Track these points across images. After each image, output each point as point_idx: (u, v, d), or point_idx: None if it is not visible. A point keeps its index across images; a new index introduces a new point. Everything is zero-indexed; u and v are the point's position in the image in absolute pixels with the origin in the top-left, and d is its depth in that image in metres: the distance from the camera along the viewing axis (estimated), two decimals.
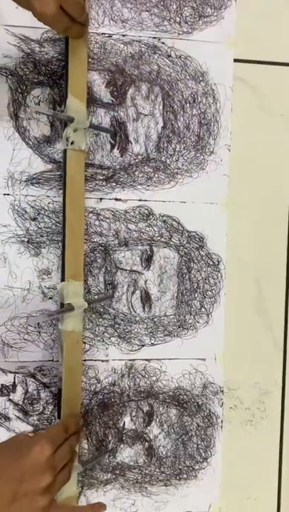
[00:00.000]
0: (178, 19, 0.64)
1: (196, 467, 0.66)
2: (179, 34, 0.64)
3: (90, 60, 0.62)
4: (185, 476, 0.66)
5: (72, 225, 0.58)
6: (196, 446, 0.66)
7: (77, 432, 0.56)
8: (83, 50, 0.58)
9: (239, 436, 0.67)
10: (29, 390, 0.63)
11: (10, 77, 0.61)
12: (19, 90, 0.62)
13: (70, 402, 0.58)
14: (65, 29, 0.53)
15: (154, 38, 0.64)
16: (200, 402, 0.66)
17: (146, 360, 0.64)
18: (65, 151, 0.58)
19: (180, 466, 0.66)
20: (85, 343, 0.63)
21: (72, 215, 0.58)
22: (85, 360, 0.63)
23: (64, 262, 0.58)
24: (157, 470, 0.66)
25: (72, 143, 0.57)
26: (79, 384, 0.59)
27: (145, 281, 0.64)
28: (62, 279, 0.58)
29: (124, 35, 0.63)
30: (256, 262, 0.67)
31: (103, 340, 0.64)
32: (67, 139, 0.57)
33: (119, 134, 0.63)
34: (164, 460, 0.66)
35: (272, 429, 0.68)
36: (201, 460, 0.66)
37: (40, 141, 0.62)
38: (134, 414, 0.65)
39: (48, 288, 0.63)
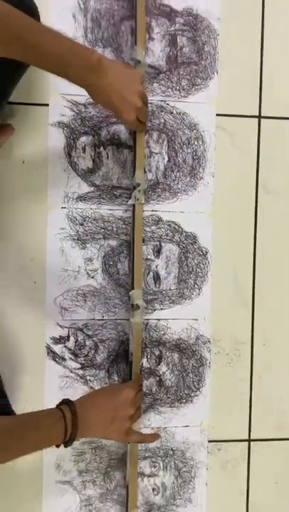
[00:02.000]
0: (178, 87, 0.94)
1: (192, 394, 0.96)
2: (178, 98, 0.94)
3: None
4: (184, 400, 0.96)
5: (138, 252, 0.88)
6: (191, 379, 0.96)
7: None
8: (143, 138, 0.88)
9: (222, 373, 0.97)
10: (78, 339, 0.93)
11: (65, 128, 0.91)
12: (71, 138, 0.92)
13: (136, 367, 0.87)
14: (136, 127, 0.83)
15: (162, 100, 0.94)
16: (194, 349, 0.96)
17: (157, 319, 0.94)
18: (134, 205, 0.88)
19: (181, 394, 0.96)
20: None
21: (138, 245, 0.88)
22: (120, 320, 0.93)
23: (133, 277, 0.88)
24: (165, 396, 0.95)
25: (137, 199, 0.87)
26: (139, 355, 0.88)
27: (156, 266, 0.94)
28: (132, 288, 0.88)
29: None
30: (233, 253, 0.97)
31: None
32: (135, 197, 0.87)
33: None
34: (169, 389, 0.95)
35: (245, 368, 0.98)
36: (195, 389, 0.96)
37: (86, 172, 0.92)
38: (148, 356, 0.94)
39: (91, 270, 0.93)
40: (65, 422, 0.70)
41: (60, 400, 0.76)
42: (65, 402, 0.74)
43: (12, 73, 0.79)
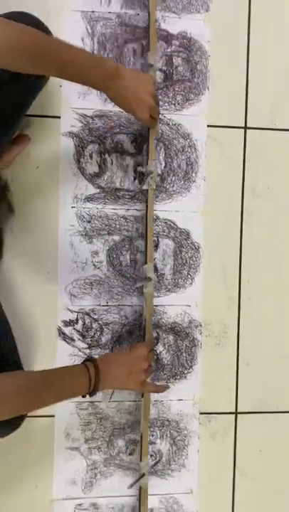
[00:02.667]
0: (173, 102, 1.07)
1: (185, 371, 1.09)
2: (174, 111, 1.07)
3: (121, 127, 1.06)
4: (178, 377, 1.09)
5: (151, 230, 1.00)
6: (185, 358, 1.09)
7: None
8: (155, 132, 1.00)
9: (211, 353, 1.10)
10: (86, 322, 1.06)
11: (75, 138, 1.05)
12: (80, 146, 1.05)
13: (149, 332, 1.00)
14: (149, 123, 0.97)
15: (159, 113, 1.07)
16: (187, 331, 1.09)
17: (154, 305, 1.07)
18: (147, 190, 1.01)
19: (175, 371, 1.09)
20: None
21: (150, 225, 1.01)
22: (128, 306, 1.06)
23: (146, 253, 1.01)
24: (162, 372, 1.08)
25: (150, 185, 1.00)
26: (151, 321, 1.01)
27: (154, 259, 1.07)
28: (145, 262, 1.01)
29: None
30: (222, 248, 1.10)
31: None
32: (148, 183, 1.00)
33: (139, 172, 1.06)
34: (165, 367, 1.08)
35: (232, 349, 1.11)
36: (188, 367, 1.09)
37: (92, 176, 1.05)
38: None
39: (97, 262, 1.06)
40: (90, 375, 0.84)
41: None
42: (89, 359, 0.88)
43: (32, 90, 0.92)
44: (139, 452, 1.05)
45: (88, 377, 0.84)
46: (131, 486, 1.04)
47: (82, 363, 0.88)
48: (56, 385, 0.81)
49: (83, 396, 0.85)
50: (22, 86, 0.88)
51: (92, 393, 0.85)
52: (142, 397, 1.01)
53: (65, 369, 0.89)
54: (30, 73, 0.80)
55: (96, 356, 0.93)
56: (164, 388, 1.00)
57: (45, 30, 0.88)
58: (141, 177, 1.06)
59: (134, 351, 0.95)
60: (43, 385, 0.79)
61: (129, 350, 0.96)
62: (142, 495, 1.03)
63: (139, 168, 1.03)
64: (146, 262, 1.02)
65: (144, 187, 1.02)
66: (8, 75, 0.83)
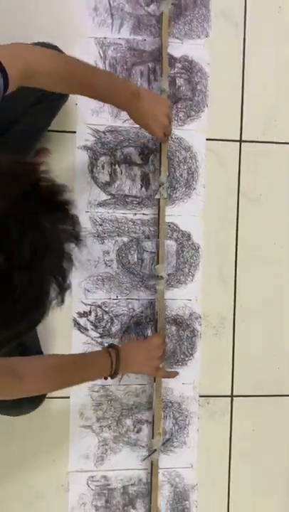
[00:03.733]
0: (176, 118, 1.20)
1: (186, 359, 1.22)
2: (176, 126, 1.20)
3: (130, 141, 1.19)
4: (180, 363, 1.22)
5: (163, 234, 1.14)
6: (186, 347, 1.22)
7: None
8: (166, 147, 1.14)
9: (210, 342, 1.23)
10: (98, 314, 1.19)
11: (88, 151, 1.18)
12: (93, 158, 1.18)
13: (162, 323, 1.13)
14: (162, 140, 1.09)
15: None
16: (188, 323, 1.22)
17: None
18: (158, 200, 1.14)
19: (177, 358, 1.22)
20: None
21: (162, 230, 1.14)
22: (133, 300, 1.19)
23: (158, 254, 1.14)
24: (165, 360, 1.21)
25: (162, 194, 1.13)
26: (164, 315, 1.14)
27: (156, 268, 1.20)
28: (158, 263, 1.14)
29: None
30: (219, 248, 1.23)
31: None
32: (160, 193, 1.13)
33: (145, 180, 1.19)
34: (168, 354, 1.21)
35: (228, 338, 1.24)
36: (189, 355, 1.22)
37: (104, 184, 1.18)
38: (152, 328, 1.20)
39: (108, 261, 1.19)
40: (112, 360, 0.98)
41: None
42: (111, 346, 1.02)
43: (53, 109, 1.05)
44: (145, 430, 1.19)
45: (111, 362, 0.98)
46: (144, 459, 1.17)
47: (105, 348, 1.01)
48: (83, 367, 0.96)
49: (105, 378, 0.99)
50: (46, 106, 1.01)
51: (113, 376, 0.99)
52: (154, 381, 1.14)
53: (91, 354, 1.04)
54: (62, 93, 0.93)
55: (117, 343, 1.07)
56: (174, 374, 1.14)
57: None
58: (147, 185, 1.19)
59: (151, 341, 1.09)
60: (71, 367, 0.93)
61: (145, 338, 1.10)
62: (153, 468, 1.17)
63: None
64: (158, 263, 1.15)
65: (157, 196, 1.15)
66: (35, 98, 0.97)
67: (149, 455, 1.17)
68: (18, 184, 0.48)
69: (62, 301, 0.52)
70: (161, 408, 1.16)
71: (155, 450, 1.15)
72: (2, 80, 0.70)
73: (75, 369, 0.94)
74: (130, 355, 1.02)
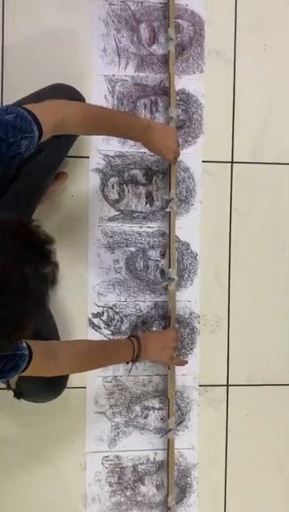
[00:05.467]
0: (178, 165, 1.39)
1: (187, 353, 1.40)
2: None
3: (135, 164, 1.37)
4: (182, 357, 1.39)
5: (173, 242, 1.31)
6: (186, 342, 1.40)
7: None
8: (175, 168, 1.32)
9: (207, 338, 1.41)
10: (109, 314, 1.37)
11: (100, 173, 1.36)
12: (104, 179, 1.36)
13: (173, 321, 1.31)
14: (172, 162, 1.28)
15: None
16: (188, 321, 1.40)
17: (162, 301, 1.38)
18: (169, 212, 1.32)
19: (179, 352, 1.39)
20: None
21: (172, 239, 1.31)
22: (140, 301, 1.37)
23: (170, 259, 1.31)
24: None
25: (172, 207, 1.31)
26: (175, 312, 1.32)
27: (162, 265, 1.38)
28: (169, 267, 1.32)
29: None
30: (215, 256, 1.41)
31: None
32: (170, 207, 1.31)
33: (150, 198, 1.38)
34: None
35: (223, 335, 1.41)
36: (189, 349, 1.40)
37: (114, 201, 1.37)
38: (157, 327, 1.38)
39: (117, 268, 1.37)
40: (134, 348, 1.16)
41: None
42: (133, 336, 1.21)
43: (70, 142, 1.23)
44: (152, 416, 1.37)
45: (133, 349, 1.16)
46: (162, 436, 1.36)
47: (128, 338, 1.21)
48: (109, 353, 1.15)
49: (127, 363, 1.19)
50: (65, 138, 1.19)
51: (134, 361, 1.18)
52: (169, 369, 1.33)
53: (116, 341, 1.26)
54: (85, 135, 1.13)
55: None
56: (185, 362, 1.33)
57: (82, 98, 1.20)
58: (151, 202, 1.38)
59: (167, 333, 1.28)
60: (99, 352, 1.12)
61: (162, 331, 1.31)
62: (169, 444, 1.34)
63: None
64: (170, 267, 1.33)
65: (167, 210, 1.33)
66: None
67: (166, 432, 1.35)
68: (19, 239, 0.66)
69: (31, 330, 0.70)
70: (174, 392, 1.34)
71: (171, 429, 1.33)
72: (38, 133, 0.88)
73: (102, 354, 1.14)
74: (149, 344, 1.21)
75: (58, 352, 1.04)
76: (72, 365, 1.09)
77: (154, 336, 1.28)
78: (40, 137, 0.89)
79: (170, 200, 1.32)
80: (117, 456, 1.38)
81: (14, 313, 0.65)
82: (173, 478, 1.35)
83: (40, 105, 0.93)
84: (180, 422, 1.39)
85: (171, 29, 1.34)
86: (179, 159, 1.36)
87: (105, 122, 1.10)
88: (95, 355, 1.13)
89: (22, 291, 0.65)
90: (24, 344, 0.90)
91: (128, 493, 1.38)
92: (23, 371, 0.90)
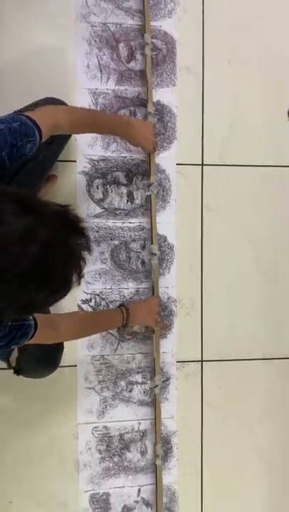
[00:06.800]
0: (157, 154, 1.57)
1: (166, 333, 1.58)
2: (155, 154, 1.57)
3: (117, 167, 1.55)
4: (162, 337, 1.58)
5: (154, 220, 1.51)
6: (164, 321, 1.58)
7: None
8: (154, 156, 1.50)
9: (183, 319, 1.59)
10: (96, 301, 1.54)
11: (86, 175, 1.54)
12: (90, 180, 1.54)
13: (156, 290, 1.50)
14: (151, 152, 1.47)
15: (144, 157, 1.56)
16: (166, 305, 1.58)
17: (144, 288, 1.56)
18: (149, 195, 1.51)
19: (160, 332, 1.58)
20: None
21: (154, 219, 1.51)
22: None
23: (152, 236, 1.50)
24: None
25: (152, 191, 1.50)
26: (158, 283, 1.51)
27: (142, 255, 1.57)
28: (152, 243, 1.51)
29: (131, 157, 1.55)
30: (189, 247, 1.60)
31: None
32: (151, 191, 1.50)
33: (130, 197, 1.56)
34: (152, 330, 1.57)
35: (197, 316, 1.60)
36: (167, 330, 1.58)
37: (98, 200, 1.54)
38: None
39: (103, 259, 1.54)
40: (123, 315, 1.35)
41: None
42: (122, 305, 1.41)
43: (62, 144, 1.40)
44: (135, 390, 1.55)
45: (122, 316, 1.35)
46: (150, 389, 1.55)
47: (118, 307, 1.40)
48: (102, 321, 1.34)
49: (118, 328, 1.39)
50: (56, 144, 1.37)
51: (124, 326, 1.37)
52: (154, 333, 1.51)
53: (108, 311, 1.45)
54: (75, 134, 1.32)
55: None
56: (169, 326, 1.54)
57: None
58: (132, 200, 1.56)
59: (151, 300, 1.48)
60: (94, 321, 1.30)
61: (146, 299, 1.51)
62: (156, 399, 1.52)
63: (146, 193, 1.55)
64: (152, 243, 1.53)
65: (148, 193, 1.53)
66: (49, 139, 1.32)
67: (152, 388, 1.53)
68: (61, 218, 0.85)
69: (79, 283, 0.90)
70: (158, 355, 1.52)
71: (157, 385, 1.52)
72: (39, 136, 1.05)
73: (96, 322, 1.33)
74: (136, 311, 1.40)
75: (59, 322, 1.21)
76: (70, 333, 1.26)
77: (140, 304, 1.48)
78: (40, 139, 1.06)
79: (151, 184, 1.52)
80: (106, 427, 1.56)
81: (65, 273, 0.84)
82: (160, 430, 1.54)
83: (36, 112, 1.10)
84: (165, 381, 1.58)
85: (148, 48, 1.54)
86: (156, 163, 1.54)
87: (91, 121, 1.29)
88: (90, 324, 1.31)
89: (69, 254, 0.85)
90: (30, 316, 1.07)
91: (116, 459, 1.56)
92: (31, 339, 1.07)
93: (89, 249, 0.91)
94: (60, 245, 0.84)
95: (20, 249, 0.79)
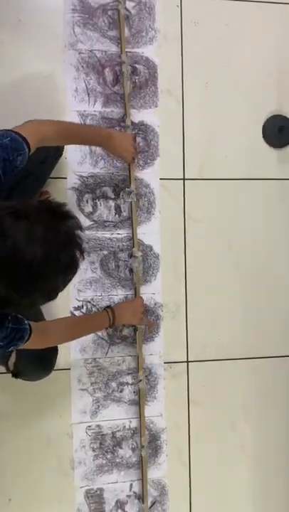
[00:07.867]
0: (137, 165, 1.70)
1: (154, 336, 1.69)
2: (138, 171, 1.69)
3: (105, 182, 1.67)
4: (149, 340, 1.69)
5: (135, 224, 1.63)
6: (152, 319, 1.69)
7: None
8: (134, 166, 1.63)
9: (169, 323, 1.71)
10: (88, 307, 1.65)
11: (76, 191, 1.65)
12: (80, 195, 1.65)
13: (138, 293, 1.61)
14: (131, 162, 1.60)
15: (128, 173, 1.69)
16: (153, 310, 1.69)
17: (132, 294, 1.67)
18: (131, 203, 1.63)
19: (148, 335, 1.69)
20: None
21: (135, 224, 1.64)
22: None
23: (133, 241, 1.63)
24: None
25: (133, 198, 1.63)
26: (140, 285, 1.63)
27: (130, 264, 1.68)
28: (133, 247, 1.63)
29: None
30: (173, 256, 1.72)
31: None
32: (132, 198, 1.63)
33: (118, 210, 1.68)
34: (142, 333, 1.68)
35: (182, 319, 1.72)
36: (155, 333, 1.70)
37: (88, 213, 1.66)
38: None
39: (93, 268, 1.66)
40: (109, 316, 1.45)
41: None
42: (108, 306, 1.52)
43: (53, 163, 1.52)
44: (126, 390, 1.65)
45: (108, 318, 1.46)
46: (136, 383, 1.64)
47: (104, 310, 1.50)
48: (90, 324, 1.45)
49: (106, 329, 1.50)
50: (48, 163, 1.48)
51: (111, 327, 1.48)
52: (135, 332, 1.63)
53: (95, 314, 1.55)
54: (62, 145, 1.45)
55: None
56: (154, 324, 1.65)
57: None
58: (120, 213, 1.68)
59: (135, 301, 1.59)
60: (82, 324, 1.41)
61: (131, 300, 1.62)
62: (140, 393, 1.63)
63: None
64: (133, 246, 1.65)
65: (129, 200, 1.65)
66: (42, 158, 1.43)
67: (138, 382, 1.64)
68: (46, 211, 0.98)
69: (84, 258, 1.03)
70: (142, 353, 1.63)
71: (141, 380, 1.63)
72: (27, 150, 1.16)
73: (85, 326, 1.44)
74: (121, 311, 1.51)
75: (49, 328, 1.32)
76: (61, 337, 1.37)
77: (125, 304, 1.59)
78: (29, 152, 1.17)
79: (131, 192, 1.64)
80: (98, 426, 1.65)
81: (70, 255, 0.98)
82: (144, 422, 1.65)
83: (23, 127, 1.20)
84: (148, 374, 1.68)
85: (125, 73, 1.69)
86: (140, 178, 1.67)
87: (75, 133, 1.40)
88: (78, 327, 1.41)
89: (67, 239, 0.97)
90: (26, 321, 1.18)
91: (109, 456, 1.66)
92: (26, 342, 1.17)
93: (80, 228, 1.02)
94: (56, 235, 0.95)
95: (31, 253, 0.92)
